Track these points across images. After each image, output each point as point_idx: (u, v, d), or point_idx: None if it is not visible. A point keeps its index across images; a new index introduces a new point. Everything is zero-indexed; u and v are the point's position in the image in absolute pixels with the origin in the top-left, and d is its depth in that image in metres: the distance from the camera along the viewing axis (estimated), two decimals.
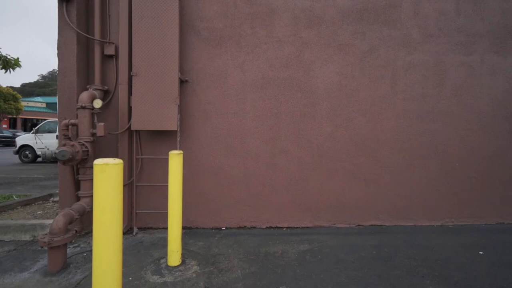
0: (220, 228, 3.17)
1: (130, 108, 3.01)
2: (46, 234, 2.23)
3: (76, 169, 2.86)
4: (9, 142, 18.31)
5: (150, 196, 3.12)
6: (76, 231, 2.47)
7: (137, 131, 3.09)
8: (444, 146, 3.27)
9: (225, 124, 3.19)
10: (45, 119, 15.12)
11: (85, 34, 2.99)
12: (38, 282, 2.05)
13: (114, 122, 3.06)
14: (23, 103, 24.46)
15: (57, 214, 2.82)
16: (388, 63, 3.24)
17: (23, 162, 9.97)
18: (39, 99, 34.56)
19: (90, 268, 2.23)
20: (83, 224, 2.90)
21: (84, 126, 2.74)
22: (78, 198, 2.79)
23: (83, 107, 2.71)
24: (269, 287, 1.99)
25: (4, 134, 19.59)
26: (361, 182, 3.23)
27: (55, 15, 2.93)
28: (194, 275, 2.15)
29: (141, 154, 3.13)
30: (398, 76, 3.25)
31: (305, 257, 2.45)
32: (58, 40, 2.93)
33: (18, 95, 22.28)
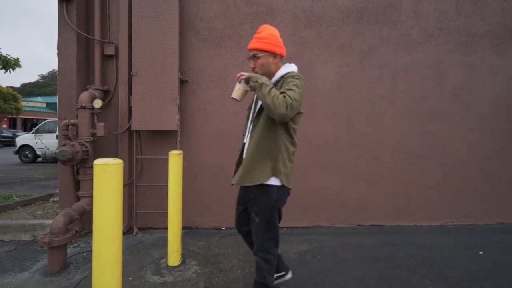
0: (220, 228, 3.17)
1: (130, 108, 3.01)
2: (46, 234, 2.23)
3: (76, 169, 2.85)
4: (9, 142, 18.30)
5: (150, 196, 3.12)
6: (76, 231, 2.47)
7: (137, 131, 3.09)
8: (444, 146, 3.26)
9: (225, 124, 3.18)
10: (45, 119, 15.11)
11: (85, 34, 2.99)
12: (38, 282, 2.05)
13: (114, 122, 3.06)
14: (23, 103, 24.45)
15: (57, 214, 2.82)
16: (388, 63, 3.24)
17: (23, 162, 9.97)
18: (39, 99, 34.54)
19: (90, 268, 2.22)
20: (83, 224, 2.90)
21: (84, 126, 2.74)
22: (78, 198, 2.78)
23: (83, 107, 2.71)
24: None
25: (5, 134, 19.58)
26: (361, 182, 3.23)
27: (55, 15, 2.93)
28: (194, 275, 2.15)
29: (141, 154, 3.13)
30: (398, 76, 3.25)
31: (305, 257, 2.45)
32: (58, 40, 2.93)
33: (18, 95, 22.26)
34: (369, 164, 3.23)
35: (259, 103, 1.56)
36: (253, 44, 1.53)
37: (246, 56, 3.18)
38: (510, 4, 3.31)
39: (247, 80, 1.45)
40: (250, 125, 1.61)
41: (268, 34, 1.55)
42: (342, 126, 3.23)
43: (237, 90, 1.50)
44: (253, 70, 1.56)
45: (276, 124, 1.49)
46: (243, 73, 1.47)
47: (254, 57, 1.53)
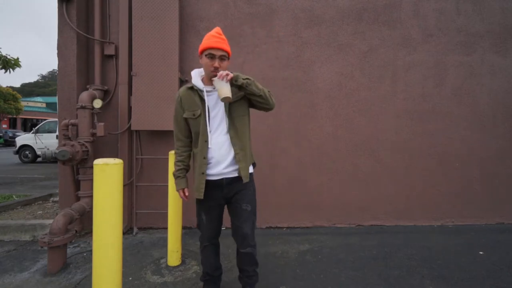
0: None
1: (130, 108, 3.01)
2: (46, 234, 2.23)
3: (76, 169, 2.86)
4: (10, 142, 18.31)
5: (150, 196, 3.12)
6: (76, 231, 2.47)
7: (137, 131, 3.09)
8: (444, 146, 3.26)
9: None
10: (45, 119, 15.12)
11: (85, 34, 2.99)
12: (38, 282, 2.05)
13: (114, 122, 3.06)
14: (23, 103, 24.46)
15: (57, 214, 2.82)
16: (388, 63, 3.24)
17: (23, 162, 9.97)
18: (39, 99, 34.54)
19: (90, 268, 2.22)
20: (83, 224, 2.91)
21: (84, 126, 2.74)
22: (78, 198, 2.79)
23: (83, 107, 2.71)
24: (269, 287, 1.99)
25: (9, 135, 19.52)
26: (361, 182, 3.23)
27: (55, 15, 2.93)
28: (194, 275, 2.15)
29: (141, 154, 3.13)
30: (398, 76, 3.25)
31: (305, 257, 2.45)
32: (58, 40, 2.93)
33: (18, 95, 22.27)
34: (369, 164, 3.23)
35: (218, 101, 1.55)
36: (225, 46, 1.51)
37: (246, 55, 3.19)
38: (510, 4, 3.31)
39: (235, 79, 1.47)
40: (218, 124, 1.57)
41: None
42: (342, 126, 3.23)
43: (228, 89, 1.43)
44: (216, 69, 1.49)
45: (249, 116, 1.69)
46: (228, 72, 1.44)
47: (222, 57, 1.51)
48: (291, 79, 3.20)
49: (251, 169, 1.67)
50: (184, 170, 1.73)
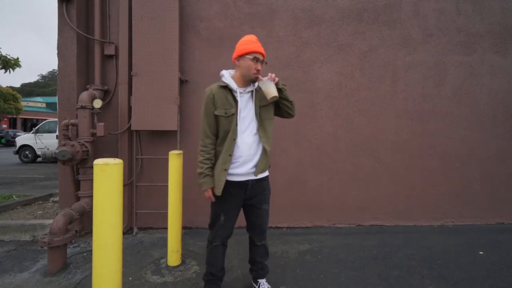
0: None
1: (130, 108, 3.01)
2: (46, 234, 2.23)
3: (76, 169, 2.86)
4: (11, 143, 18.31)
5: (150, 196, 3.12)
6: (76, 231, 2.47)
7: (137, 131, 3.09)
8: (444, 146, 3.26)
9: None
10: (45, 119, 15.12)
11: (85, 34, 2.99)
12: (38, 282, 2.05)
13: (114, 122, 3.06)
14: (23, 103, 24.46)
15: (57, 214, 2.82)
16: (388, 63, 3.24)
17: (23, 162, 9.97)
18: (39, 99, 34.55)
19: (90, 268, 2.23)
20: (83, 224, 2.90)
21: (84, 126, 2.74)
22: (78, 198, 2.79)
23: (83, 107, 2.71)
24: None
25: (10, 135, 19.48)
26: (361, 182, 3.23)
27: (55, 15, 2.93)
28: (194, 275, 2.15)
29: (141, 154, 3.13)
30: (398, 76, 3.25)
31: (305, 257, 2.45)
32: (58, 40, 2.93)
33: (18, 95, 22.27)
34: (369, 164, 3.23)
35: (252, 104, 1.67)
36: (264, 52, 1.65)
37: None
38: (510, 4, 3.31)
39: (277, 82, 1.62)
40: (247, 124, 1.65)
41: None
42: (342, 126, 3.23)
43: (275, 89, 1.58)
44: (258, 71, 1.62)
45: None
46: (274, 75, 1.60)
47: (262, 62, 1.65)
48: (291, 79, 3.20)
49: (267, 172, 1.79)
50: (211, 169, 1.68)
